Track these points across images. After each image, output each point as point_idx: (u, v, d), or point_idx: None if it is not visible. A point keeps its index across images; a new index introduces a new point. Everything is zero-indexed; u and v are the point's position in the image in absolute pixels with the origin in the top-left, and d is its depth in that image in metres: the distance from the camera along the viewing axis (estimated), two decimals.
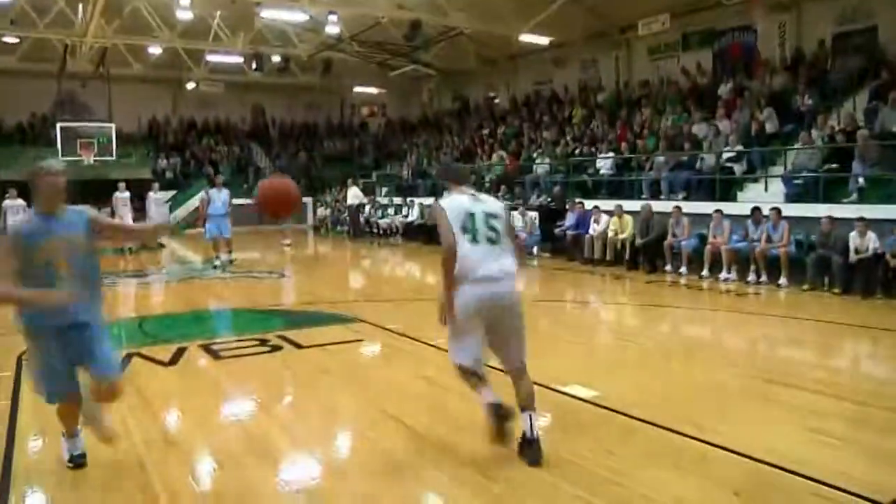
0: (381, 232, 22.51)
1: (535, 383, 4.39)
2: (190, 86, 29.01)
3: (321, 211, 27.06)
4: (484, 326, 4.24)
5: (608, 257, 14.30)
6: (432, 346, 7.11)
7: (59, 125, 24.16)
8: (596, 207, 14.97)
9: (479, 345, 4.27)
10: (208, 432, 5.04)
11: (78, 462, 4.23)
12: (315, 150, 32.25)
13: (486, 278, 4.14)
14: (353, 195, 22.66)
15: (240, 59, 26.06)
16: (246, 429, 5.08)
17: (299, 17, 21.57)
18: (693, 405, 5.38)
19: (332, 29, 21.60)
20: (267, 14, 21.06)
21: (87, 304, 4.03)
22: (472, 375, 4.29)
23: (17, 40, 23.98)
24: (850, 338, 8.43)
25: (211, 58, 26.28)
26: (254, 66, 24.90)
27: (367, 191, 25.02)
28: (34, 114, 27.83)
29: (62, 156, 23.55)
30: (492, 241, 4.22)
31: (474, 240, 4.17)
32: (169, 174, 28.12)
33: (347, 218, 23.53)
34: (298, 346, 7.43)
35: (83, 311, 3.99)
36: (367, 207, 23.75)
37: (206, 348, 7.39)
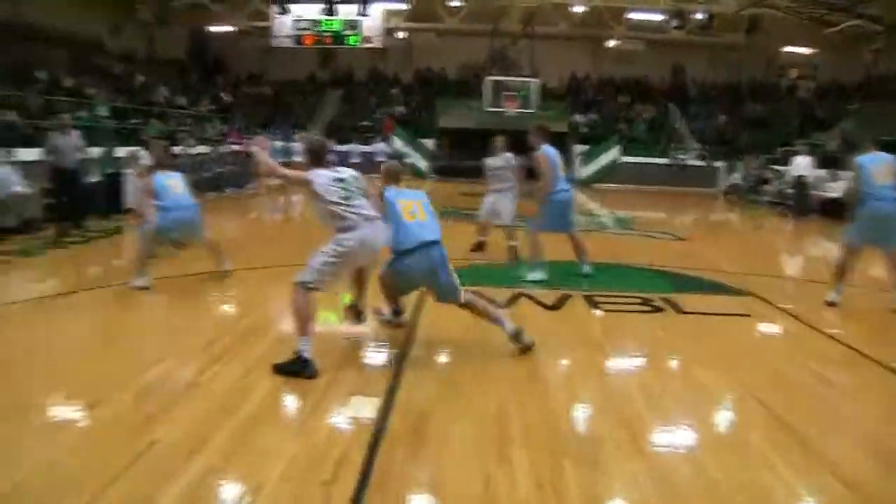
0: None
1: None
2: (610, 43, 29.52)
3: (734, 177, 25.63)
4: None
5: None
6: (827, 335, 6.48)
7: (487, 79, 26.37)
8: None
9: None
10: (568, 377, 5.31)
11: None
12: (735, 113, 30.63)
13: None
14: (804, 167, 18.53)
15: (660, 17, 25.77)
16: (605, 381, 5.25)
17: None
18: None
19: None
20: None
21: None
22: None
23: (460, 4, 26.67)
24: None
25: (632, 15, 26.42)
26: (674, 23, 24.47)
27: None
28: (469, 68, 30.81)
29: (488, 107, 25.85)
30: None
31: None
32: (584, 129, 28.97)
33: (793, 192, 18.78)
34: (680, 311, 7.28)
35: None
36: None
37: (589, 299, 7.62)
